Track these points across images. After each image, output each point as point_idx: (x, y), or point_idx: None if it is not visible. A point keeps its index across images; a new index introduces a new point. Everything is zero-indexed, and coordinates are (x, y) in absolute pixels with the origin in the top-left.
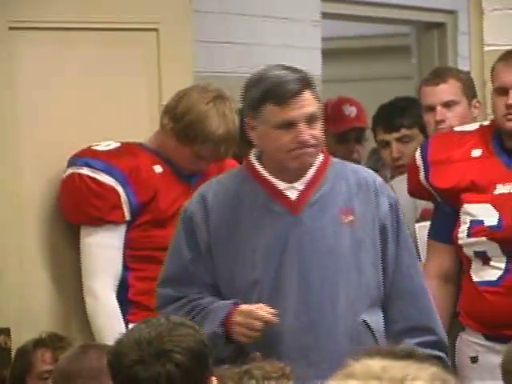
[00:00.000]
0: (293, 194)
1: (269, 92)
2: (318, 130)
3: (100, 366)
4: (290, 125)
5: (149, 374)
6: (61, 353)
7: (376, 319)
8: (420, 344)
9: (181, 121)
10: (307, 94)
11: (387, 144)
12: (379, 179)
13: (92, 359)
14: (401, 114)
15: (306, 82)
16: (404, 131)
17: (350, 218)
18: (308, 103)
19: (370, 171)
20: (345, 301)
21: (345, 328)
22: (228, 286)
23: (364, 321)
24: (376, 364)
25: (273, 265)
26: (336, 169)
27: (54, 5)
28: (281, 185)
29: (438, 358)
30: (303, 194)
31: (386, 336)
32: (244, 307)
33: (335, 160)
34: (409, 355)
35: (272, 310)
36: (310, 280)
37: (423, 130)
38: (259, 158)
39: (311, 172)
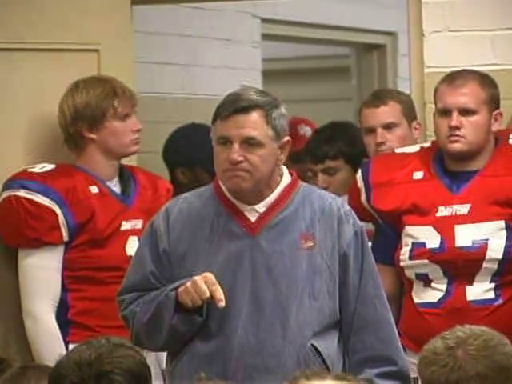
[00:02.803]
0: (253, 216)
1: (219, 107)
2: (257, 157)
3: None
4: (225, 142)
5: None
6: (1, 375)
7: (328, 345)
8: (380, 374)
9: (95, 118)
10: (254, 117)
11: (315, 174)
12: (346, 207)
13: (31, 380)
14: (326, 143)
15: (258, 105)
16: (328, 162)
17: (310, 243)
18: (251, 126)
19: (338, 198)
20: (295, 325)
21: (293, 352)
22: None
23: (313, 345)
24: None
25: (225, 283)
26: (303, 193)
27: None
28: (242, 206)
29: None
30: (263, 216)
31: (347, 365)
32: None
33: (304, 184)
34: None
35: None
36: (261, 301)
37: (349, 160)
38: None
39: (274, 194)
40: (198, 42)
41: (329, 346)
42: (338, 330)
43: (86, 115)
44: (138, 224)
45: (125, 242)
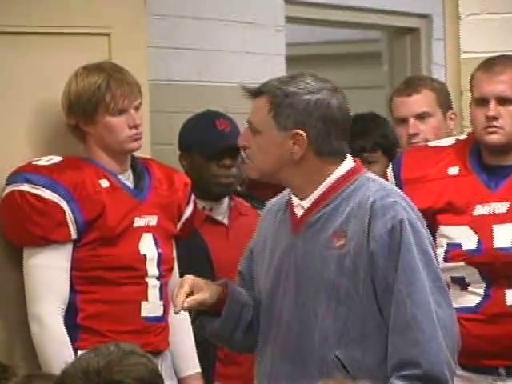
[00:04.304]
0: (299, 212)
1: None
2: (254, 144)
3: None
4: None
5: None
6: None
7: (355, 355)
8: (402, 377)
9: (87, 111)
10: (259, 103)
11: None
12: (387, 200)
13: None
14: (360, 137)
15: (264, 91)
16: (366, 155)
17: (342, 241)
18: (254, 111)
19: (384, 190)
20: (320, 335)
21: (318, 361)
22: None
23: (337, 357)
24: None
25: (271, 286)
26: (356, 185)
27: (4, 9)
28: (294, 201)
29: None
30: (305, 213)
31: (388, 372)
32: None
33: (365, 176)
34: None
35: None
36: (295, 307)
37: (386, 152)
38: None
39: (320, 189)
40: (216, 26)
41: (356, 356)
42: (383, 334)
43: (79, 107)
44: (152, 220)
45: (138, 239)
